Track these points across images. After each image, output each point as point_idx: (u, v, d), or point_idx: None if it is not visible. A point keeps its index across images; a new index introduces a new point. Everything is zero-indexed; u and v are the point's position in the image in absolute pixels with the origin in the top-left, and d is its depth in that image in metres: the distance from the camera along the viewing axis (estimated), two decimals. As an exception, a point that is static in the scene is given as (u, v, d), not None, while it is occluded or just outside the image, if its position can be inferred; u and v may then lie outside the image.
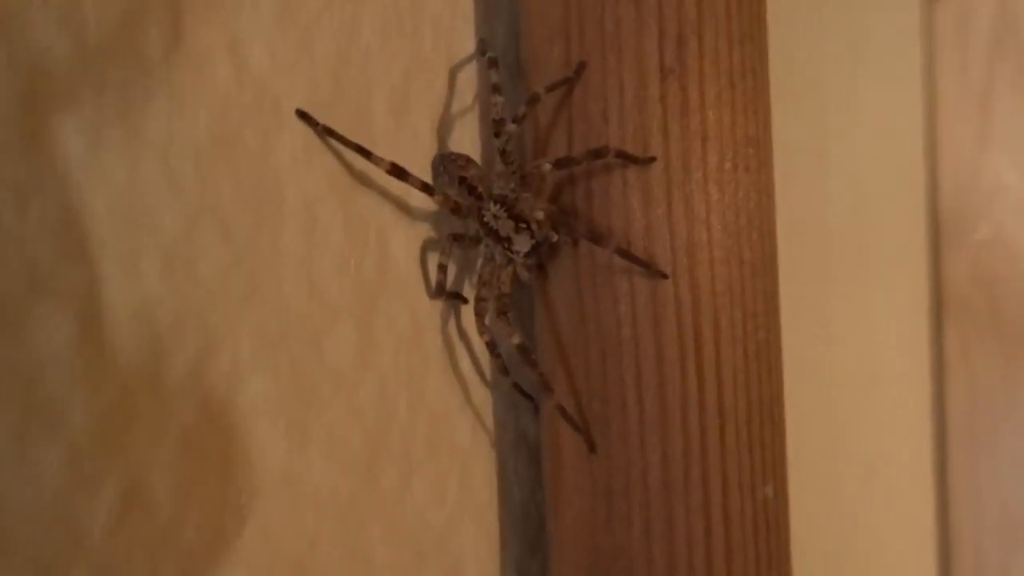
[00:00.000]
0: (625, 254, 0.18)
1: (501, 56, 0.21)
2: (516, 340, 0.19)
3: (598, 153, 0.18)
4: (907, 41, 0.49)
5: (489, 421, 0.22)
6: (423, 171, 0.20)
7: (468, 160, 0.20)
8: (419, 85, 0.19)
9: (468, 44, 0.21)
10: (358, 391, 0.17)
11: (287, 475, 0.16)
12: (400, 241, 0.19)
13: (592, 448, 0.19)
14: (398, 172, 0.18)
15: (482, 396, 0.21)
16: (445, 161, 0.20)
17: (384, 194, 0.18)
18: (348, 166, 0.17)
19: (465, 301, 0.20)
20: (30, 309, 0.12)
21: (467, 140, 0.21)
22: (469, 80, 0.21)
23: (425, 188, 0.19)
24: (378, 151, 0.17)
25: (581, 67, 0.19)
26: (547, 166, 0.18)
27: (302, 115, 0.16)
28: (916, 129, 0.51)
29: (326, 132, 0.16)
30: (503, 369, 0.20)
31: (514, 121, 0.19)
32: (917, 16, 0.49)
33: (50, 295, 0.12)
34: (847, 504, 0.40)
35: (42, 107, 0.12)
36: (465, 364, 0.21)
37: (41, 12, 0.12)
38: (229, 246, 0.15)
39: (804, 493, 0.27)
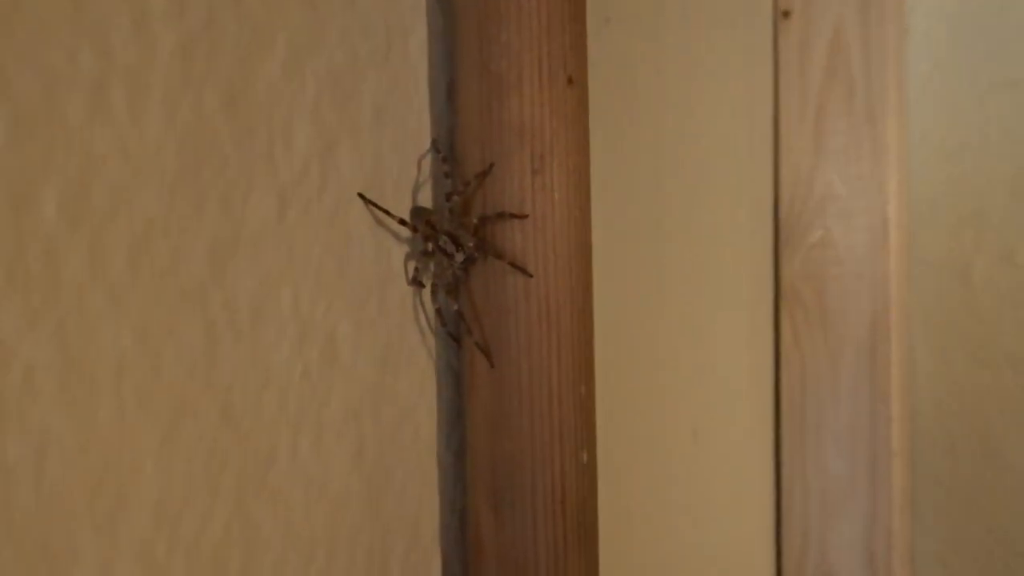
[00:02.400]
0: (513, 264, 0.36)
1: (445, 150, 0.39)
2: (455, 307, 0.37)
3: (500, 215, 0.36)
4: (760, 58, 0.54)
5: (434, 353, 0.39)
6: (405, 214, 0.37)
7: (431, 211, 0.37)
8: (407, 169, 0.37)
9: (426, 142, 0.38)
10: (379, 331, 0.35)
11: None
12: (396, 254, 0.36)
13: (492, 364, 0.37)
14: (402, 221, 0.35)
15: (431, 340, 0.39)
16: (419, 212, 0.37)
17: (392, 231, 0.36)
18: (378, 220, 0.34)
19: (423, 286, 0.38)
20: None
21: (427, 197, 0.38)
22: (426, 163, 0.38)
23: (405, 224, 0.36)
24: (388, 207, 0.34)
25: (491, 166, 0.37)
26: (475, 220, 0.36)
27: (361, 196, 0.33)
28: (766, 141, 0.55)
29: (372, 204, 0.33)
30: (443, 323, 0.38)
31: (457, 194, 0.36)
32: (769, 35, 0.55)
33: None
34: (699, 475, 0.49)
35: None
36: (422, 321, 0.38)
37: None
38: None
39: (642, 461, 0.43)
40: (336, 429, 0.31)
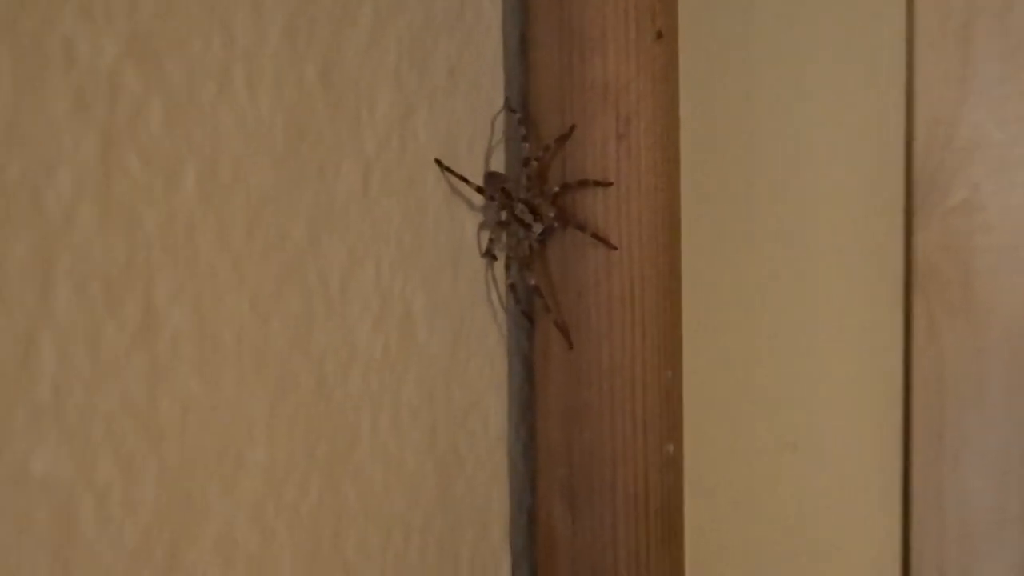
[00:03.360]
0: (595, 236, 0.45)
1: (520, 111, 0.48)
2: (533, 282, 0.46)
3: (584, 183, 0.45)
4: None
5: (505, 334, 0.49)
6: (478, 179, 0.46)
7: (505, 177, 0.47)
8: (481, 132, 0.46)
9: (499, 102, 0.48)
10: (451, 308, 0.44)
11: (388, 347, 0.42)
12: (470, 224, 0.45)
13: (570, 345, 0.47)
14: (478, 189, 0.44)
15: (501, 319, 0.48)
16: (493, 177, 0.46)
17: (466, 199, 0.45)
18: (453, 188, 0.44)
19: (496, 259, 0.47)
20: None
21: (499, 161, 0.48)
22: (499, 125, 0.48)
23: (481, 192, 0.45)
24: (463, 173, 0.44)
25: (572, 128, 0.46)
26: (556, 188, 0.45)
27: (438, 162, 0.42)
28: (895, 72, 0.56)
29: (448, 170, 0.43)
30: (517, 300, 0.47)
31: (535, 160, 0.45)
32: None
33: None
34: (809, 488, 0.55)
35: None
36: (494, 298, 0.48)
37: None
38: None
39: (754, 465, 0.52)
40: (412, 409, 0.41)
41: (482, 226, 0.47)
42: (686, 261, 0.51)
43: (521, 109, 0.48)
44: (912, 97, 0.56)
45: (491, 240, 0.46)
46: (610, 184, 0.46)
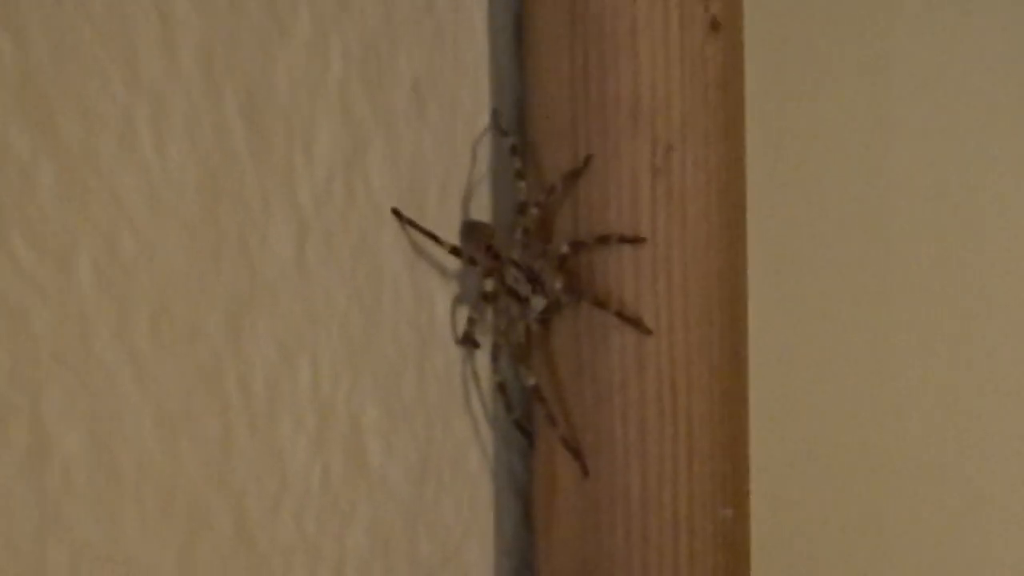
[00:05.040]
0: (621, 315, 0.54)
1: (513, 134, 0.57)
2: (532, 382, 0.55)
3: (604, 239, 0.54)
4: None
5: (491, 456, 0.57)
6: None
7: (492, 229, 0.56)
8: (458, 167, 0.55)
9: (482, 121, 0.57)
10: (415, 420, 0.53)
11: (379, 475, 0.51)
12: (442, 299, 0.54)
13: (585, 472, 0.55)
14: (454, 250, 0.53)
15: (487, 433, 0.57)
16: (475, 230, 0.55)
17: (436, 265, 0.54)
18: (417, 248, 0.53)
19: (478, 347, 0.56)
20: None
21: (484, 207, 0.57)
22: (484, 155, 0.57)
23: (457, 253, 0.54)
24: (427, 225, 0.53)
25: (588, 160, 0.55)
26: (565, 247, 0.54)
27: (397, 213, 0.51)
28: None
29: (410, 223, 0.52)
30: (509, 407, 0.56)
31: (535, 205, 0.54)
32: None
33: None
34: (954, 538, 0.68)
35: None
36: (476, 404, 0.56)
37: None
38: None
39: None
40: (361, 564, 0.50)
41: (459, 301, 0.55)
42: (755, 347, 0.60)
43: (516, 132, 0.57)
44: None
45: (471, 321, 0.55)
46: (642, 241, 0.54)
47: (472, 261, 0.55)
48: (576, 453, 0.55)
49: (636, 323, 0.54)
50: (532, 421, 0.57)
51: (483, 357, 0.57)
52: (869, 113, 0.68)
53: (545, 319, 0.55)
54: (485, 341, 0.56)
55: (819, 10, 0.67)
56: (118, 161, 0.40)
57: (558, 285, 0.54)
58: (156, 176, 0.41)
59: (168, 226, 0.42)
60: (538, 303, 0.54)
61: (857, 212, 0.68)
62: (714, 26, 0.55)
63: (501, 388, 0.56)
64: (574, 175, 0.54)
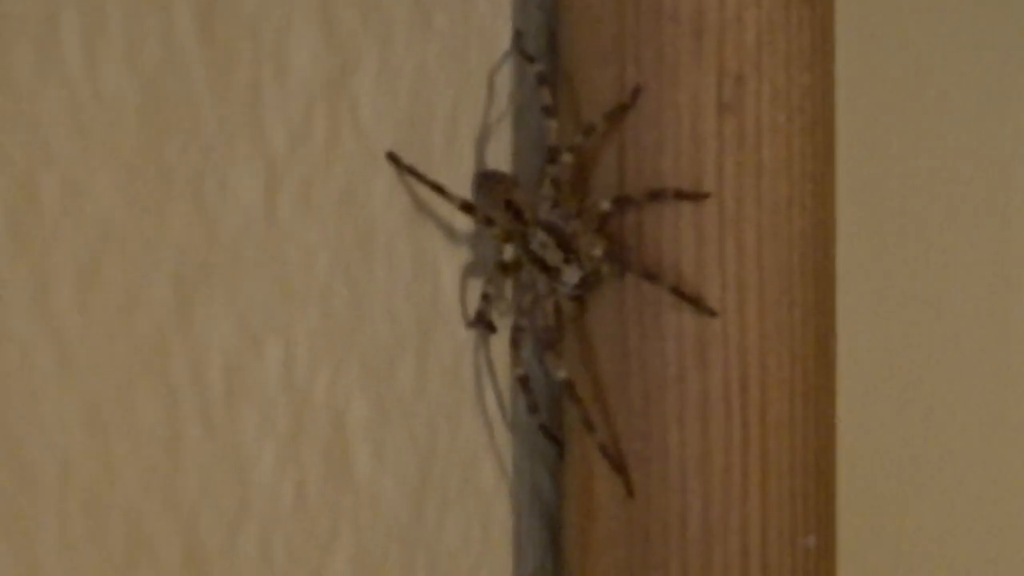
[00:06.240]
0: (677, 292, 0.52)
1: (541, 60, 0.55)
2: (563, 375, 0.53)
3: (657, 194, 0.52)
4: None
5: (510, 470, 0.55)
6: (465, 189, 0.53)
7: (513, 181, 0.53)
8: (472, 100, 0.53)
9: (504, 42, 0.55)
10: (414, 421, 0.51)
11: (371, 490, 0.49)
12: (449, 270, 0.52)
13: (631, 491, 0.53)
14: (465, 205, 0.51)
15: (504, 438, 0.55)
16: (492, 182, 0.53)
17: (443, 225, 0.52)
18: (419, 202, 0.51)
19: (494, 330, 0.54)
20: None
21: (503, 153, 0.54)
22: (505, 86, 0.55)
23: (469, 210, 0.52)
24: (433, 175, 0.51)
25: (637, 93, 0.53)
26: (606, 205, 0.52)
27: (393, 158, 0.49)
28: None
29: (412, 172, 0.50)
30: (533, 407, 0.54)
31: (571, 151, 0.52)
32: None
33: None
34: None
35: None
36: (491, 401, 0.54)
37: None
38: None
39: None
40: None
41: (470, 272, 0.53)
42: (844, 333, 0.58)
43: (545, 57, 0.55)
44: None
45: (486, 298, 0.53)
46: (706, 196, 0.52)
47: (488, 221, 0.53)
48: (619, 467, 0.53)
49: (696, 302, 0.52)
50: (562, 425, 0.55)
51: (500, 343, 0.54)
52: (996, 43, 0.66)
53: (580, 296, 0.53)
54: (503, 323, 0.54)
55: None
56: (36, 79, 0.38)
57: (598, 252, 0.52)
58: (85, 100, 0.39)
59: (100, 165, 0.39)
60: (572, 275, 0.52)
61: (978, 166, 0.66)
62: (800, -79, 0.53)
63: (523, 382, 0.54)
64: (619, 112, 0.52)
